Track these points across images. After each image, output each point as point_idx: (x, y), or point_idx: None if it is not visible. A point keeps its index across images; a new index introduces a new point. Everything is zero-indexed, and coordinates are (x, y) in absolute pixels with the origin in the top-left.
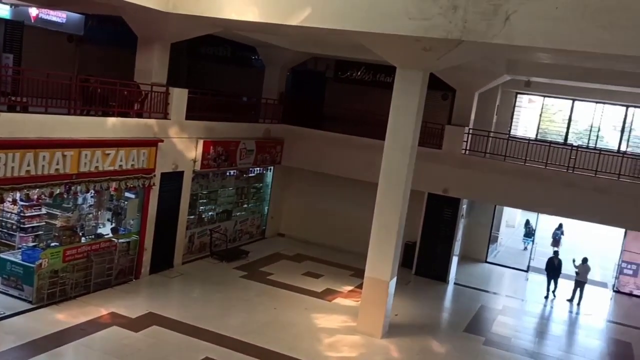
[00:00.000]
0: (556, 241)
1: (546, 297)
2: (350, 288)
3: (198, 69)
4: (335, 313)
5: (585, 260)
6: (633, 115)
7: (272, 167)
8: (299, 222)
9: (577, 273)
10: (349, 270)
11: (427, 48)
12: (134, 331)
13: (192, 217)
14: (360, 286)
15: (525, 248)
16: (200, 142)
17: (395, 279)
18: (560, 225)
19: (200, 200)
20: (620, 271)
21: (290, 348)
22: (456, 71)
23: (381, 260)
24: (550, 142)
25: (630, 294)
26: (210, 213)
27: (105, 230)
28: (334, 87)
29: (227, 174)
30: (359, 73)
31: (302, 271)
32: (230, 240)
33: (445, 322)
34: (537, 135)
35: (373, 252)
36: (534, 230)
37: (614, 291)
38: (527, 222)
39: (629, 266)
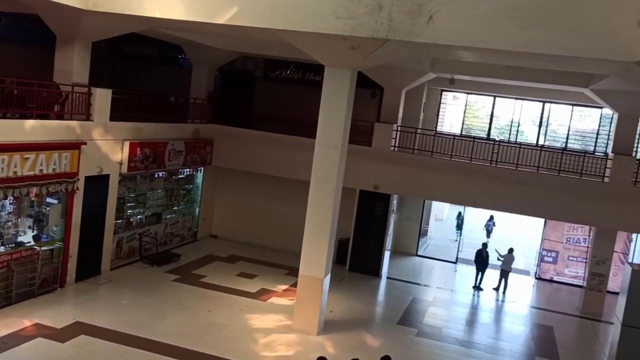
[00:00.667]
0: (489, 232)
1: (475, 288)
2: (285, 287)
3: (122, 69)
4: (270, 312)
5: (510, 250)
6: (549, 110)
7: (202, 168)
8: (231, 222)
9: (502, 262)
10: (284, 269)
11: (354, 47)
12: (61, 342)
13: (119, 221)
14: (295, 285)
15: (457, 240)
16: (127, 144)
17: (329, 276)
18: (492, 217)
19: (128, 204)
20: (541, 259)
21: (226, 350)
22: (384, 69)
23: (315, 258)
24: (474, 138)
25: (551, 280)
26: (139, 216)
27: (27, 238)
28: (264, 86)
29: (156, 175)
30: (288, 72)
31: (236, 272)
32: (160, 244)
33: (379, 316)
34: (462, 131)
35: (307, 250)
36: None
37: (536, 278)
38: (459, 215)
39: (549, 254)
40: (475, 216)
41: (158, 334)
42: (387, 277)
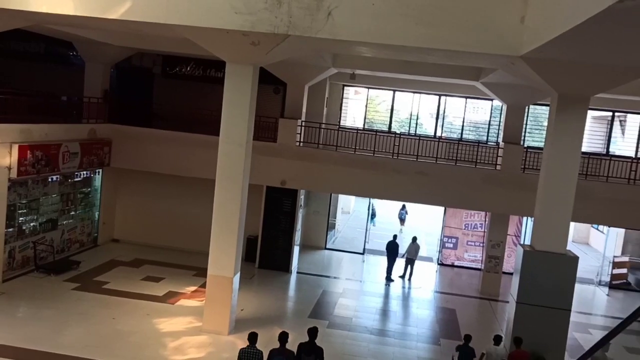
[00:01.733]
0: (402, 220)
1: (391, 279)
2: (193, 288)
3: (7, 68)
4: (179, 315)
5: (414, 239)
6: (445, 103)
7: (100, 170)
8: (134, 225)
9: (406, 251)
10: (192, 270)
11: (255, 42)
12: None
13: (10, 229)
14: (204, 285)
15: (370, 229)
16: (15, 147)
17: (239, 274)
18: (404, 206)
19: (20, 211)
20: (442, 245)
21: (133, 358)
22: (286, 65)
23: (223, 257)
24: (376, 131)
25: (452, 265)
26: (32, 224)
27: None
28: (163, 84)
29: (50, 179)
30: (188, 68)
31: (141, 276)
32: (57, 252)
33: (291, 311)
34: (364, 125)
35: (214, 249)
36: (375, 213)
37: (438, 264)
38: (371, 206)
39: (449, 240)
40: (389, 206)
41: (59, 346)
42: (297, 272)
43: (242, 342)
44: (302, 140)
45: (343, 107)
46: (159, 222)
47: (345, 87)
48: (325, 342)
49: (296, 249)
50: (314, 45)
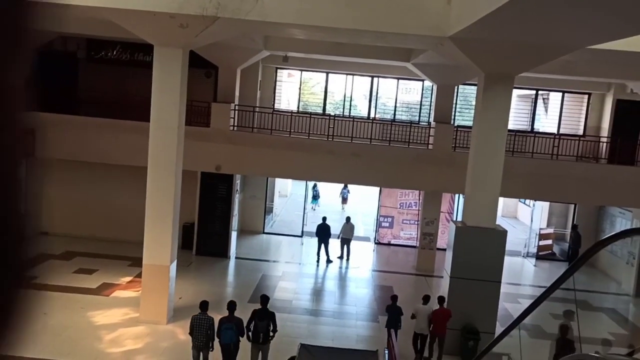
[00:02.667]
0: (344, 199)
1: (328, 261)
2: (129, 279)
3: None
4: (115, 307)
5: (348, 219)
6: (378, 84)
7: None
8: (64, 216)
9: (341, 231)
10: (127, 260)
11: (183, 25)
12: None
13: None
14: (139, 275)
15: (313, 209)
16: None
17: (175, 263)
18: (346, 185)
19: None
20: (379, 225)
21: (68, 353)
22: (217, 48)
23: (159, 246)
24: (311, 114)
25: (388, 244)
26: None
27: None
28: (89, 69)
29: None
30: (115, 52)
31: (72, 269)
32: None
33: (230, 296)
34: (298, 107)
35: (149, 238)
36: (318, 194)
37: (375, 243)
38: (315, 186)
39: (385, 219)
40: (331, 187)
41: None
42: (236, 257)
43: (181, 331)
44: (236, 124)
45: (277, 90)
46: (90, 213)
47: (279, 70)
48: None
49: (234, 235)
50: (244, 27)
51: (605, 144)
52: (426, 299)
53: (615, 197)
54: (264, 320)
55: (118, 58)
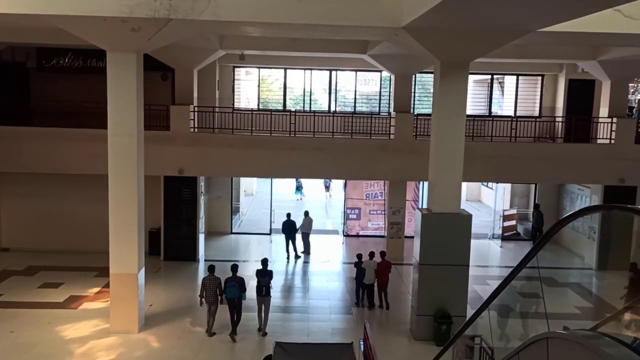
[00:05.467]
0: (327, 187)
1: (297, 257)
2: (97, 289)
3: None
4: (84, 319)
5: (306, 213)
6: (336, 77)
7: None
8: (24, 231)
9: (301, 226)
10: (93, 271)
11: (135, 29)
12: None
13: None
14: (107, 285)
15: (299, 199)
16: None
17: (143, 270)
18: None
19: None
20: (346, 217)
21: None
22: (172, 50)
23: (125, 254)
24: (271, 111)
25: (357, 235)
26: None
27: None
28: (40, 78)
29: None
30: (67, 60)
31: (37, 284)
32: None
33: None
34: (259, 105)
35: (115, 246)
36: (301, 185)
37: (344, 236)
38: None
39: (352, 211)
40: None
41: None
42: (205, 260)
43: (154, 338)
44: (196, 126)
45: (235, 89)
46: (52, 225)
47: (236, 69)
48: (242, 327)
49: (201, 237)
50: (198, 27)
51: (560, 124)
52: (371, 255)
53: (573, 175)
54: (265, 277)
55: (70, 66)
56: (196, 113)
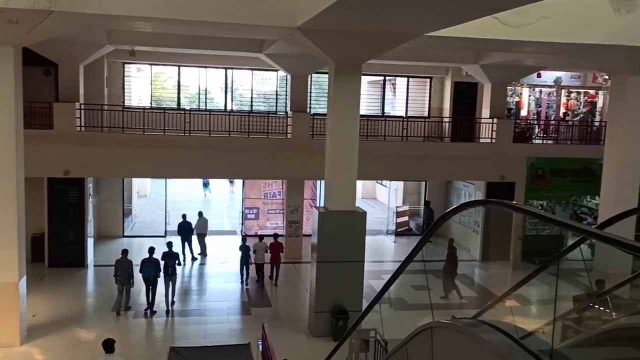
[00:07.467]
0: (231, 182)
1: (193, 259)
2: None
3: None
4: None
5: (200, 214)
6: (232, 76)
7: None
8: None
9: (196, 227)
10: None
11: (13, 20)
12: None
13: None
14: None
15: (205, 195)
16: None
17: (25, 278)
18: None
19: None
20: (245, 217)
21: None
22: (55, 44)
23: (4, 262)
24: (165, 109)
25: (256, 235)
26: None
27: None
28: None
29: None
30: None
31: None
32: None
33: (92, 307)
34: (151, 103)
35: None
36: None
37: (242, 236)
38: None
39: (250, 211)
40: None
41: None
42: (95, 265)
43: (38, 351)
44: (83, 124)
45: (126, 86)
46: None
47: (126, 65)
48: (133, 334)
49: (90, 241)
50: (83, 21)
51: (447, 124)
52: (261, 238)
53: (459, 172)
54: (171, 258)
55: None
56: (83, 111)
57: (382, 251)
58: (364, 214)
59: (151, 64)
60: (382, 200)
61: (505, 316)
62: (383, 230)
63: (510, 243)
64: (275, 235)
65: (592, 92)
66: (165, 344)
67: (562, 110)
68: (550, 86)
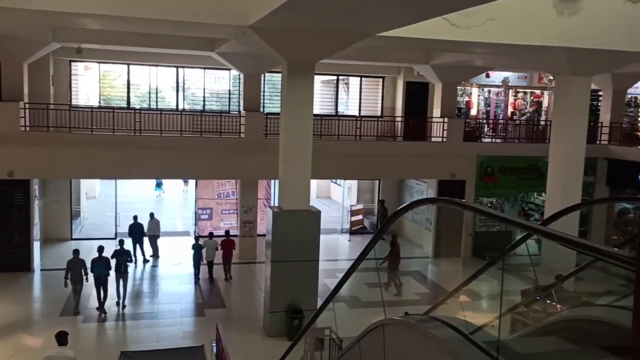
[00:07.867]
0: (185, 181)
1: (145, 261)
2: None
3: None
4: None
5: (152, 215)
6: (184, 75)
7: None
8: None
9: (147, 228)
10: None
11: None
12: None
13: None
14: None
15: (159, 195)
16: None
17: None
18: None
19: None
20: (198, 218)
21: None
22: None
23: None
24: (114, 108)
25: (209, 236)
26: None
27: None
28: None
29: None
30: None
31: None
32: None
33: (38, 313)
34: (100, 102)
35: None
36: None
37: (195, 236)
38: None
39: (204, 212)
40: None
41: None
42: (42, 269)
43: None
44: (27, 124)
45: (73, 85)
46: None
47: (73, 63)
48: (82, 338)
49: (36, 245)
50: (26, 17)
51: (400, 123)
52: (211, 235)
53: (411, 171)
54: (123, 256)
55: None
56: (27, 110)
57: (337, 250)
58: (318, 213)
59: (99, 62)
60: (336, 199)
61: (456, 311)
62: (337, 229)
63: (461, 240)
64: (227, 232)
65: (538, 92)
66: (117, 348)
67: (510, 109)
68: (498, 86)
